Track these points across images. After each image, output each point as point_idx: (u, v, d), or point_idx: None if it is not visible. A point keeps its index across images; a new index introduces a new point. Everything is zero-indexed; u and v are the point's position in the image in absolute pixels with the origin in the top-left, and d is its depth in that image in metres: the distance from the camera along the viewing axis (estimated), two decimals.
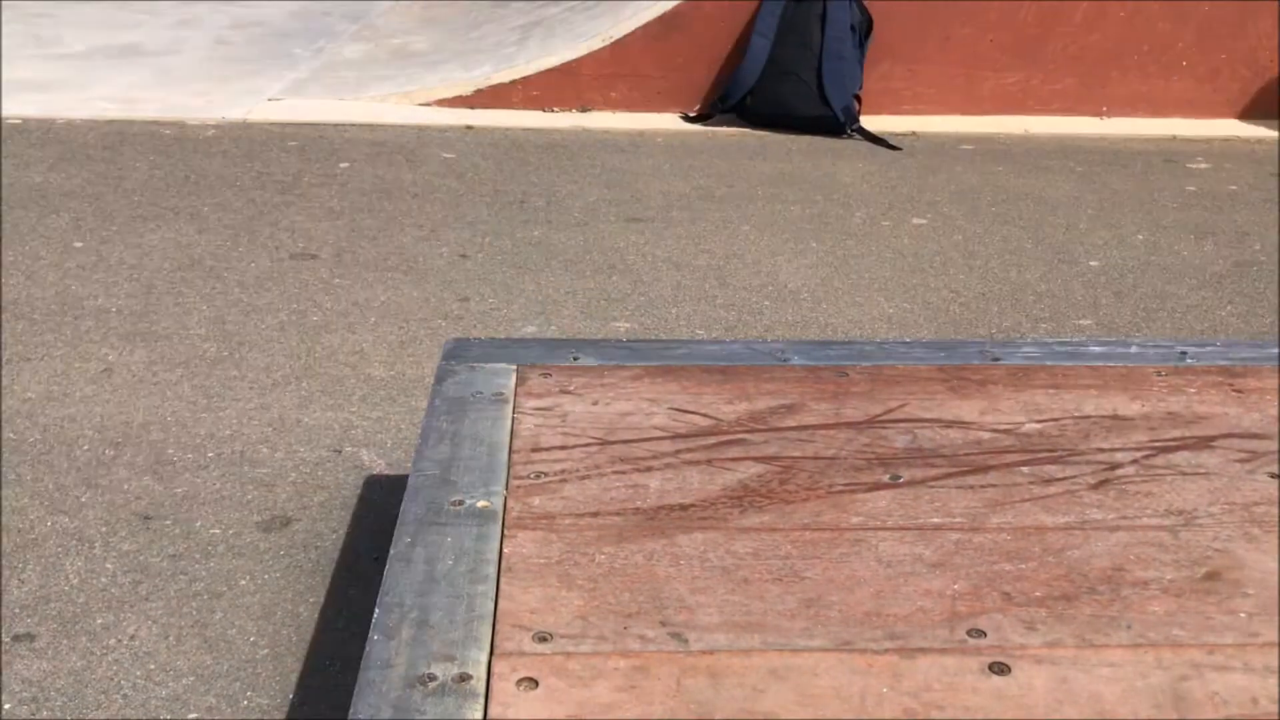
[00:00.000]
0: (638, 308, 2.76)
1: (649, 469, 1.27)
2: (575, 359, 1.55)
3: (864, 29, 4.37)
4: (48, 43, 5.13)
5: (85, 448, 2.11)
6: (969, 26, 4.50)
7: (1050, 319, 2.78)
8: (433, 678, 0.95)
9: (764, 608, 1.04)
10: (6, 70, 4.58)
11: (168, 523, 1.91)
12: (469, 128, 4.17)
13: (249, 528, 1.90)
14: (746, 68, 4.31)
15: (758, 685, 0.95)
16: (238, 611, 1.70)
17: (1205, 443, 1.35)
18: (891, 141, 4.17)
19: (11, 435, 2.14)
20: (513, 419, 1.37)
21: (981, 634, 1.01)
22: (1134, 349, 1.61)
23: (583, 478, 1.25)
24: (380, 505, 1.96)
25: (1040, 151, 4.16)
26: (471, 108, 4.38)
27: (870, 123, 4.30)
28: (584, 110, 4.46)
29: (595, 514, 1.18)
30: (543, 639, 1.00)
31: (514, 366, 1.52)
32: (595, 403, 1.41)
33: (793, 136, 4.23)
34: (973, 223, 3.41)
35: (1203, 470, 1.29)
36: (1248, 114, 4.60)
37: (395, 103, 4.39)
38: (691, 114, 4.45)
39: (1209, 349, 1.62)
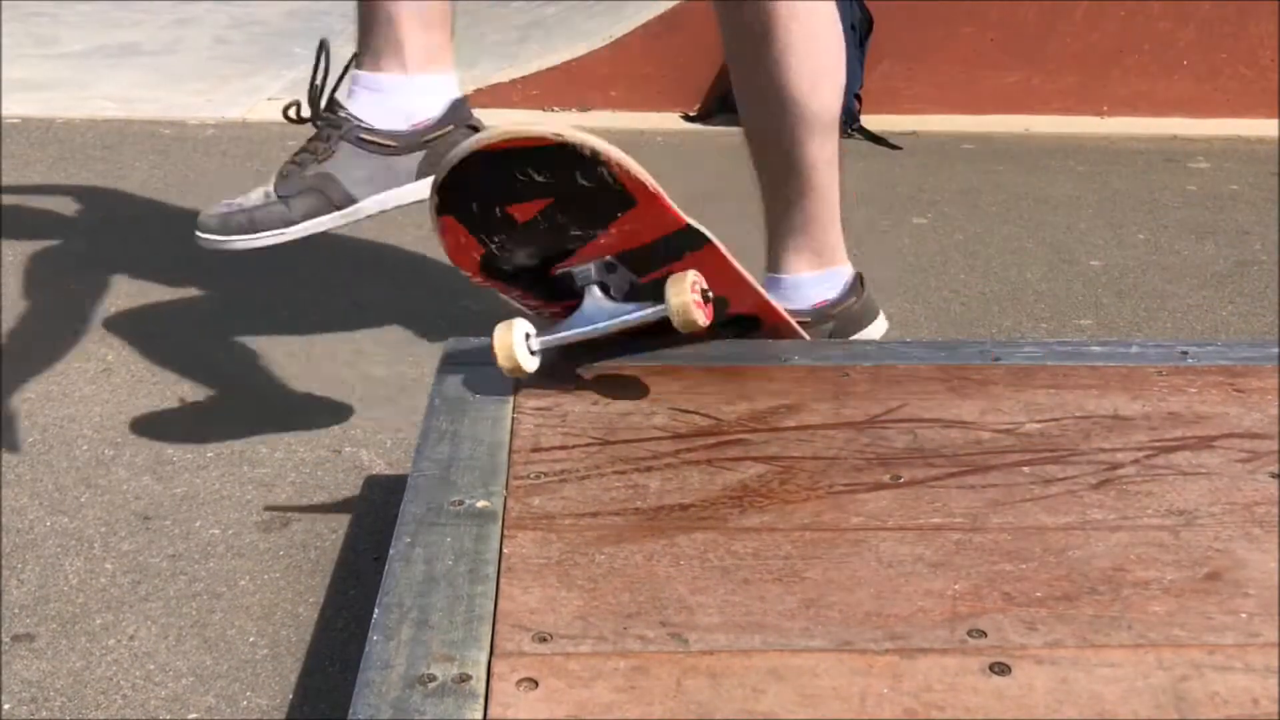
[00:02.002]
0: None
1: (649, 469, 1.27)
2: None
3: (864, 28, 4.37)
4: (46, 42, 5.13)
5: (84, 447, 2.11)
6: (970, 26, 4.49)
7: (1051, 319, 2.78)
8: (432, 678, 0.94)
9: (764, 608, 1.04)
10: (4, 70, 4.58)
11: (167, 523, 1.90)
12: None
13: (248, 528, 1.90)
14: None
15: (758, 685, 0.94)
16: (237, 612, 1.70)
17: (1206, 442, 1.35)
18: (892, 141, 4.17)
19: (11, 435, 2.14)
20: (512, 419, 1.37)
21: (982, 634, 1.01)
22: (1135, 349, 1.61)
23: (582, 478, 1.25)
24: (380, 505, 1.96)
25: (1041, 151, 4.16)
26: (471, 107, 4.38)
27: (870, 122, 4.30)
28: (584, 110, 4.46)
29: (595, 514, 1.18)
30: (542, 639, 0.99)
31: None
32: (595, 402, 1.41)
33: None
34: (973, 222, 3.41)
35: (1204, 470, 1.29)
36: (1249, 113, 4.60)
37: None
38: (691, 113, 4.45)
39: (1210, 349, 1.62)
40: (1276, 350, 1.60)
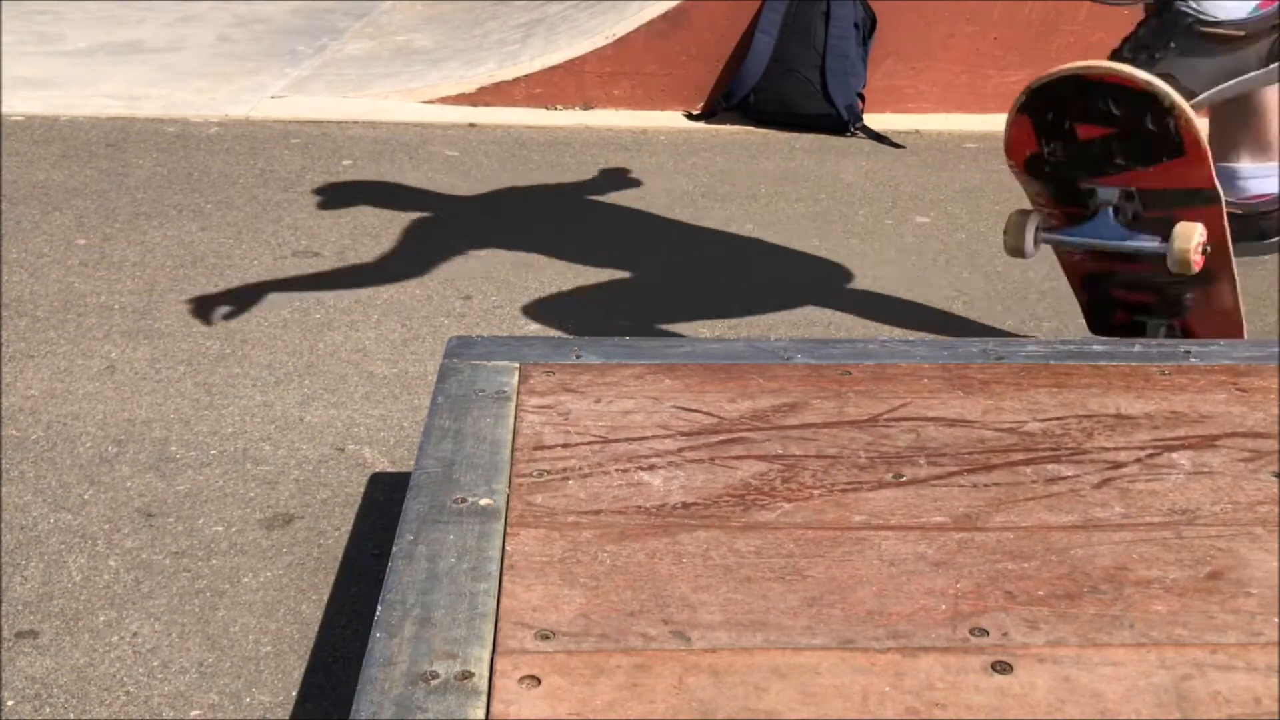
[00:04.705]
0: (640, 306, 2.76)
1: (651, 467, 1.27)
2: (578, 357, 1.55)
3: (867, 27, 4.37)
4: (50, 40, 5.14)
5: (87, 445, 2.11)
6: (973, 25, 4.49)
7: (1053, 317, 2.78)
8: (435, 675, 0.95)
9: (766, 606, 1.04)
10: (8, 67, 4.58)
11: (170, 520, 1.91)
12: (472, 125, 4.17)
13: (251, 525, 1.90)
14: (749, 65, 4.31)
15: (760, 684, 0.94)
16: (240, 609, 1.70)
17: (1209, 442, 1.35)
18: (895, 140, 4.17)
19: (14, 432, 2.14)
20: (515, 417, 1.37)
21: (984, 633, 1.01)
22: (1137, 348, 1.61)
23: (585, 476, 1.25)
24: (383, 503, 1.96)
25: None
26: (474, 105, 4.38)
27: (873, 121, 4.30)
28: (587, 108, 4.46)
29: (597, 512, 1.18)
30: (545, 637, 0.99)
31: (516, 364, 1.52)
32: (598, 400, 1.41)
33: (796, 134, 4.23)
34: (976, 221, 3.41)
35: (1206, 469, 1.29)
36: None
37: (398, 100, 4.39)
38: (694, 112, 4.45)
39: (1212, 348, 1.62)
40: (1279, 349, 1.60)
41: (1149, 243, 1.65)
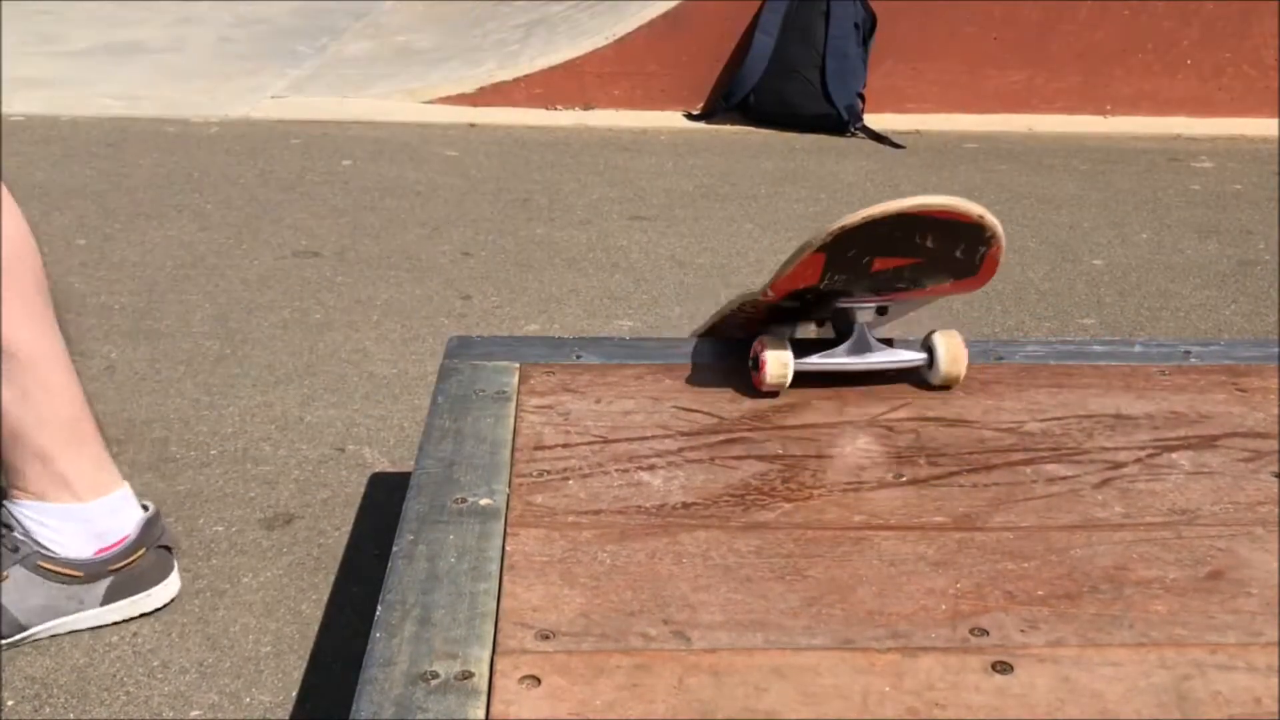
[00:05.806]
0: (640, 306, 2.76)
1: (652, 467, 1.27)
2: (578, 357, 1.55)
3: (868, 27, 4.37)
4: (50, 40, 5.14)
5: None
6: (973, 25, 4.49)
7: (1054, 317, 2.78)
8: (435, 675, 0.95)
9: (766, 606, 1.04)
10: (9, 68, 4.59)
11: (170, 520, 1.91)
12: (472, 125, 4.18)
13: (251, 525, 1.90)
14: (750, 66, 4.31)
15: (760, 684, 0.94)
16: (240, 608, 1.70)
17: (1209, 442, 1.35)
18: (895, 140, 4.17)
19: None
20: (515, 417, 1.37)
21: (984, 633, 1.01)
22: (1137, 348, 1.61)
23: (585, 476, 1.25)
24: (383, 503, 1.96)
25: (1044, 150, 4.16)
26: (474, 105, 4.38)
27: (874, 121, 4.30)
28: (587, 108, 4.46)
29: (598, 512, 1.18)
30: (545, 637, 0.99)
31: (516, 364, 1.52)
32: (598, 401, 1.41)
33: (796, 135, 4.23)
34: None
35: (1206, 469, 1.29)
36: (1252, 113, 4.60)
37: (398, 100, 4.39)
38: (695, 112, 4.46)
39: (1213, 348, 1.62)
40: (1279, 349, 1.61)
41: (912, 356, 1.46)
